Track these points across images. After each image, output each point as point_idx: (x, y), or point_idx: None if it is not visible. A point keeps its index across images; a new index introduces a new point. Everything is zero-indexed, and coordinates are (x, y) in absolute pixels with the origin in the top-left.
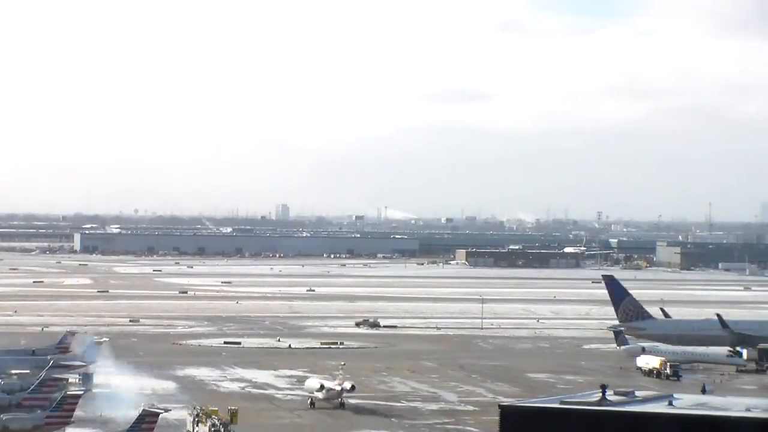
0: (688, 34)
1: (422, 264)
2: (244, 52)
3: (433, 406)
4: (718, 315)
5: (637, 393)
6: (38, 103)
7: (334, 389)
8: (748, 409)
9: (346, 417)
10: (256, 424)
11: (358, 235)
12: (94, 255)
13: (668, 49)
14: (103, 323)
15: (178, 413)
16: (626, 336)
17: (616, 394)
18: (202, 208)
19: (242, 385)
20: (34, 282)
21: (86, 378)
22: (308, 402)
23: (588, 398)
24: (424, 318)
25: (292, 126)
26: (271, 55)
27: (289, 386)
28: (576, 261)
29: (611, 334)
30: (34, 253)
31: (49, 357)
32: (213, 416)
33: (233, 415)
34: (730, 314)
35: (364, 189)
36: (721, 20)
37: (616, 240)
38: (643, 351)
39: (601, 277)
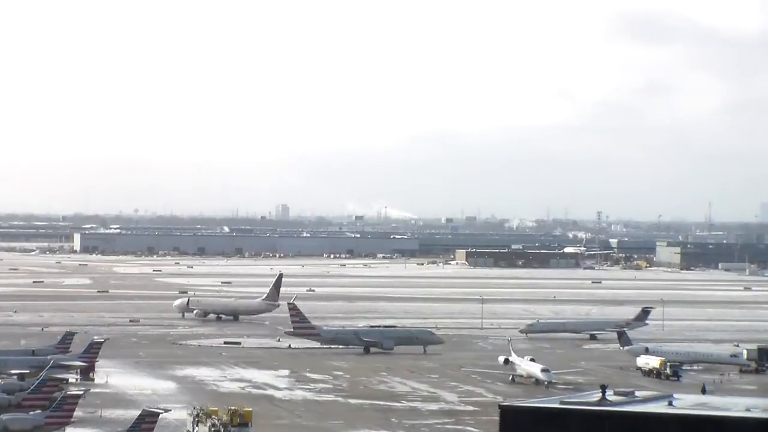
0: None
1: (422, 264)
2: (244, 52)
3: (433, 406)
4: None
5: (637, 393)
6: (38, 103)
7: None
8: (748, 409)
9: (344, 416)
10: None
11: (358, 235)
12: (94, 255)
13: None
14: (103, 323)
15: (178, 413)
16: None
17: (616, 394)
18: (202, 208)
19: (242, 385)
20: (34, 282)
21: (86, 378)
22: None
23: (588, 398)
24: (424, 318)
25: (292, 126)
26: (272, 55)
27: (288, 386)
28: (576, 261)
29: (611, 335)
30: (34, 253)
31: (49, 357)
32: (213, 416)
33: (246, 415)
34: (731, 314)
35: (364, 189)
36: None
37: (616, 240)
38: (647, 351)
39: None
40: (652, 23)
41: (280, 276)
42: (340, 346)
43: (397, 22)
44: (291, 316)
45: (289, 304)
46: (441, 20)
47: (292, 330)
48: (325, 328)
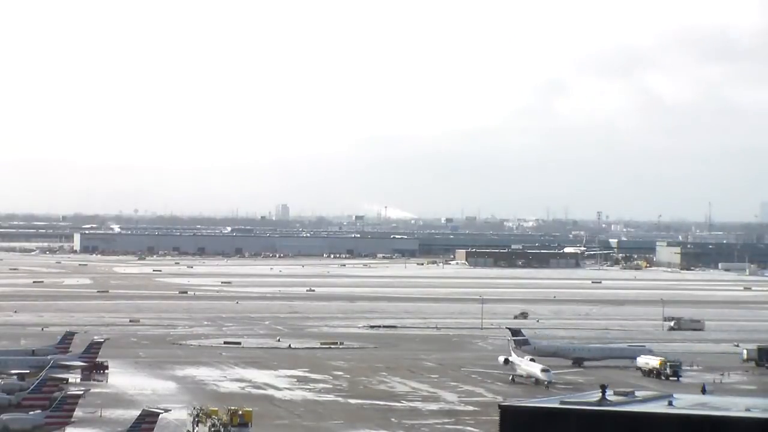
0: None
1: (422, 264)
2: (244, 53)
3: (433, 406)
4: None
5: (637, 393)
6: (39, 103)
7: None
8: (748, 409)
9: (344, 416)
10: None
11: (358, 235)
12: (94, 255)
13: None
14: (103, 323)
15: (178, 413)
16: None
17: (616, 394)
18: (202, 208)
19: (242, 385)
20: (34, 282)
21: (85, 377)
22: None
23: (588, 398)
24: (424, 318)
25: (291, 126)
26: (270, 55)
27: (288, 386)
28: (576, 261)
29: (611, 334)
30: (34, 253)
31: (49, 357)
32: (213, 416)
33: (246, 415)
34: (731, 314)
35: (364, 189)
36: None
37: (616, 240)
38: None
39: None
40: None
41: None
42: None
43: (395, 22)
44: None
45: None
46: (440, 20)
47: None
48: None
